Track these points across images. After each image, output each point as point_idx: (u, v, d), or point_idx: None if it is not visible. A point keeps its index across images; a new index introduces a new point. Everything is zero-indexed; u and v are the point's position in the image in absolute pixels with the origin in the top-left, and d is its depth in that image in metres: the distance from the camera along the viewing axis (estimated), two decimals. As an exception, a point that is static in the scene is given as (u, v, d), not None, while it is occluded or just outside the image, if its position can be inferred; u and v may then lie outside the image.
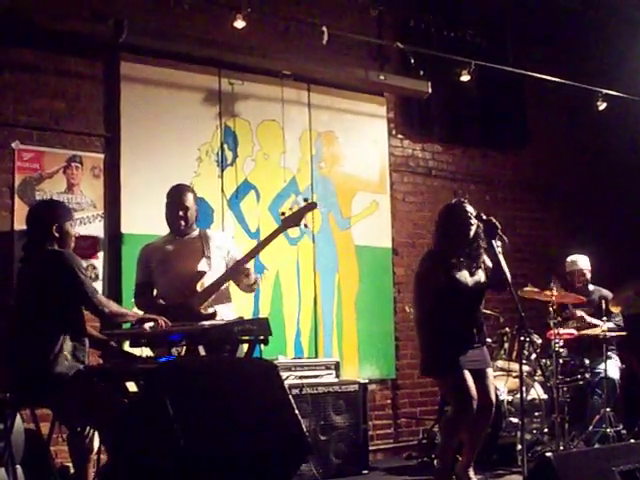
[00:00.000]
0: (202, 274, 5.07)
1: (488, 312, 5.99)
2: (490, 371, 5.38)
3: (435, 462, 5.97)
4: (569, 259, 7.28)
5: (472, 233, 5.23)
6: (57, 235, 4.44)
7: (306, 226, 5.34)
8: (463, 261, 5.24)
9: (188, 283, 5.03)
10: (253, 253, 5.21)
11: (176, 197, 5.17)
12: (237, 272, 5.11)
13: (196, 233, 5.26)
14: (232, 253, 5.26)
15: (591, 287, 7.22)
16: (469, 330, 5.25)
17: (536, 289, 6.51)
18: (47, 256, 4.37)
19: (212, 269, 5.12)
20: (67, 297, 4.29)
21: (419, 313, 5.39)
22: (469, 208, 5.29)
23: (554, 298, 6.32)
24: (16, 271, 4.84)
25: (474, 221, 5.24)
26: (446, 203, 5.58)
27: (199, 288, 5.05)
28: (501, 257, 5.12)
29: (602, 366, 6.57)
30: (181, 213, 5.14)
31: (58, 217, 4.49)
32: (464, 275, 5.23)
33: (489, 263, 5.27)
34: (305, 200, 5.44)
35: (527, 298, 6.47)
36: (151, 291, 5.16)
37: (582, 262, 7.22)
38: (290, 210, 5.16)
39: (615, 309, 6.80)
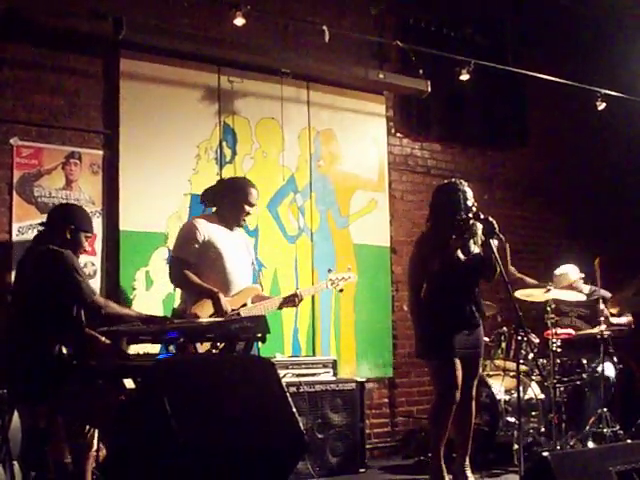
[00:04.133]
0: (256, 291, 5.30)
1: (488, 304, 6.00)
2: (480, 360, 5.45)
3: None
4: (559, 272, 7.19)
5: (468, 213, 5.24)
6: (69, 237, 4.46)
7: (341, 290, 5.76)
8: (456, 240, 5.26)
9: (242, 295, 5.16)
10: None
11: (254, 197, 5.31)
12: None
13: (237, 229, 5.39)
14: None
15: (586, 289, 7.19)
16: (467, 308, 5.29)
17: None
18: (46, 255, 4.37)
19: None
20: (64, 296, 4.29)
21: (413, 296, 5.41)
22: (466, 188, 5.31)
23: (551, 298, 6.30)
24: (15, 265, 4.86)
25: (470, 200, 5.26)
26: (441, 183, 5.64)
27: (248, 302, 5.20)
28: (497, 256, 5.13)
29: (595, 363, 6.59)
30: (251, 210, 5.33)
31: (77, 222, 4.52)
32: (458, 255, 5.25)
33: (483, 238, 5.29)
34: (349, 269, 5.87)
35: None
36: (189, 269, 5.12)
37: (573, 273, 7.17)
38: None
39: (614, 309, 6.80)
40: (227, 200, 5.26)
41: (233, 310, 5.03)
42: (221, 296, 4.94)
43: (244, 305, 5.15)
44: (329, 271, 5.73)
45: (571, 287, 7.01)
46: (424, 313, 5.33)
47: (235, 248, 5.23)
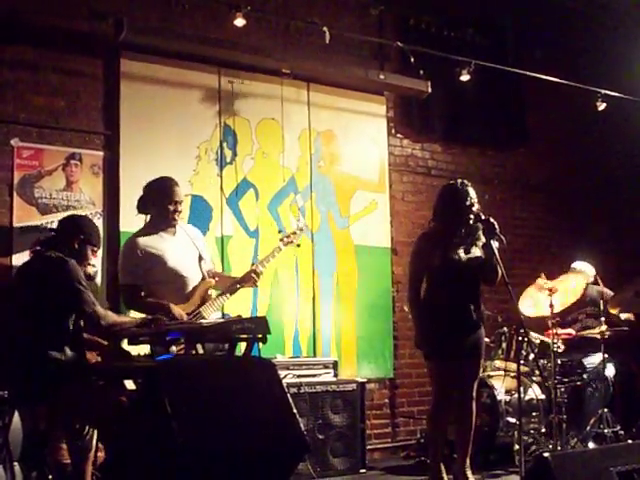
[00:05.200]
0: (210, 285, 5.18)
1: (487, 313, 5.99)
2: (481, 361, 5.44)
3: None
4: (577, 266, 7.22)
5: (471, 214, 5.24)
6: (76, 247, 4.47)
7: (298, 245, 5.70)
8: (458, 240, 5.26)
9: (198, 293, 5.10)
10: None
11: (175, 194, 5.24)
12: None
13: (179, 227, 5.32)
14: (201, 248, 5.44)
15: (594, 289, 7.21)
16: (467, 308, 5.28)
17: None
18: (51, 262, 4.37)
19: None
20: (64, 304, 4.30)
21: (413, 294, 5.40)
22: (469, 189, 5.31)
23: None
24: (15, 268, 4.87)
25: (474, 202, 5.26)
26: (445, 184, 5.64)
27: (207, 298, 5.14)
28: (498, 257, 5.13)
29: (596, 363, 6.60)
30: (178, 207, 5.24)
31: (87, 234, 4.52)
32: (459, 254, 5.25)
33: (484, 239, 5.28)
34: (298, 221, 5.99)
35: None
36: (140, 293, 5.09)
37: (590, 271, 7.19)
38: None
39: (614, 310, 6.80)
40: (153, 205, 5.24)
41: (192, 313, 5.01)
42: (171, 306, 4.91)
43: (203, 302, 5.12)
44: (279, 232, 5.73)
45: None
46: (423, 312, 5.32)
47: (175, 250, 5.17)
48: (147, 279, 5.05)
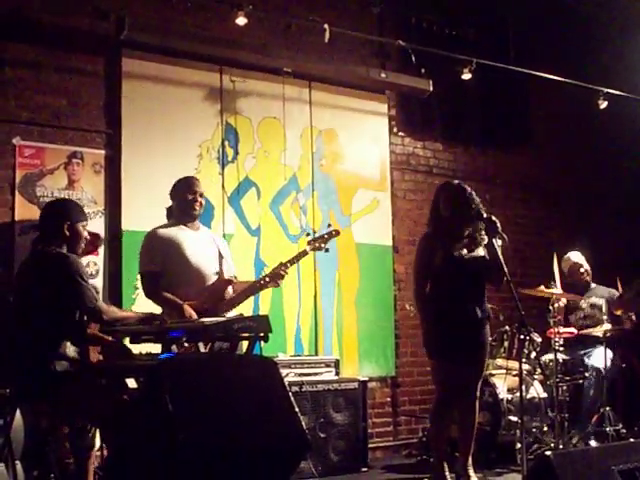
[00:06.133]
0: (230, 282, 5.15)
1: (490, 307, 6.01)
2: (485, 360, 5.43)
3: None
4: (564, 257, 7.32)
5: (471, 211, 5.23)
6: (68, 234, 4.44)
7: (327, 250, 5.46)
8: (460, 239, 5.25)
9: (215, 289, 5.08)
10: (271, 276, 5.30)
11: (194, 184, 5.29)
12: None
13: (203, 228, 5.34)
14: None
15: (593, 285, 7.25)
16: (470, 307, 5.27)
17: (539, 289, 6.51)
18: (51, 258, 4.36)
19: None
20: (66, 301, 4.29)
21: (418, 295, 5.39)
22: (466, 188, 5.30)
23: (554, 297, 6.31)
24: (17, 266, 4.86)
25: (473, 199, 5.25)
26: (441, 183, 5.63)
27: (226, 296, 5.11)
28: (500, 255, 5.12)
29: (592, 358, 6.66)
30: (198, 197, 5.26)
31: (71, 216, 4.50)
32: (462, 254, 5.24)
33: (486, 238, 5.27)
34: (329, 226, 5.74)
35: (528, 296, 6.49)
36: (159, 281, 5.11)
37: (575, 256, 7.27)
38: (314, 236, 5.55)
39: (617, 311, 6.81)
40: (174, 201, 5.27)
41: (208, 309, 4.98)
42: (185, 307, 4.90)
43: (221, 299, 5.10)
44: (307, 235, 5.64)
45: (576, 268, 7.20)
46: (427, 312, 5.32)
47: (195, 242, 5.18)
48: (164, 267, 5.06)
